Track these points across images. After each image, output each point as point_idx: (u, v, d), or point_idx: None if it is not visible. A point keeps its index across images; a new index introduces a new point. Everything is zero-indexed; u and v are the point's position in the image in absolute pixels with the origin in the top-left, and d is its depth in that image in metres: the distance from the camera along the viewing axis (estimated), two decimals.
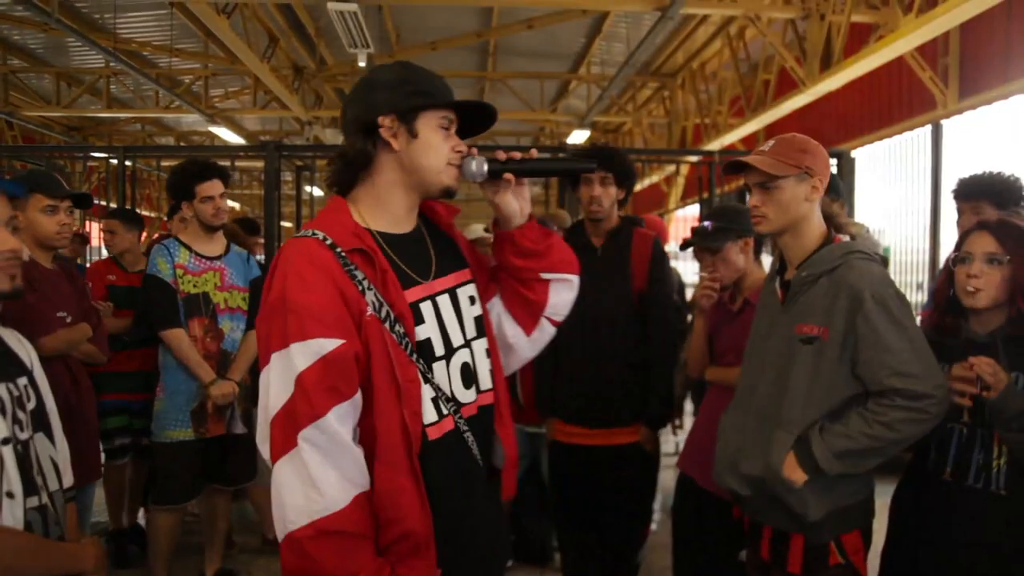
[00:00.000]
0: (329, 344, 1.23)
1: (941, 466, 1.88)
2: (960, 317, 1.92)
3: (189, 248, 3.03)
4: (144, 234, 4.75)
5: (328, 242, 1.29)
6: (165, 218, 4.18)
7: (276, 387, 1.24)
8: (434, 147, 1.36)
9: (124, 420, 3.52)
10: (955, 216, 2.75)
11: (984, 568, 1.79)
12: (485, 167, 1.41)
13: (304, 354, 1.22)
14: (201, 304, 3.00)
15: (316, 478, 1.20)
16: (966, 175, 2.68)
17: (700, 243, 2.48)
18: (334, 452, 1.22)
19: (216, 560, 3.28)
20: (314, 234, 1.30)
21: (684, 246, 2.65)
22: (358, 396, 1.26)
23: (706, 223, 2.50)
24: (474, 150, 1.41)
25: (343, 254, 1.29)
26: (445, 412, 1.35)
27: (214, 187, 3.01)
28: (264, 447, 1.26)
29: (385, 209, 1.39)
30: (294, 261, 1.28)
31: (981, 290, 1.80)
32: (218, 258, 3.10)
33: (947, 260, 1.99)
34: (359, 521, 1.23)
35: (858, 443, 1.70)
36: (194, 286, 3.00)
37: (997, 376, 1.69)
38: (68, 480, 1.58)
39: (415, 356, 1.31)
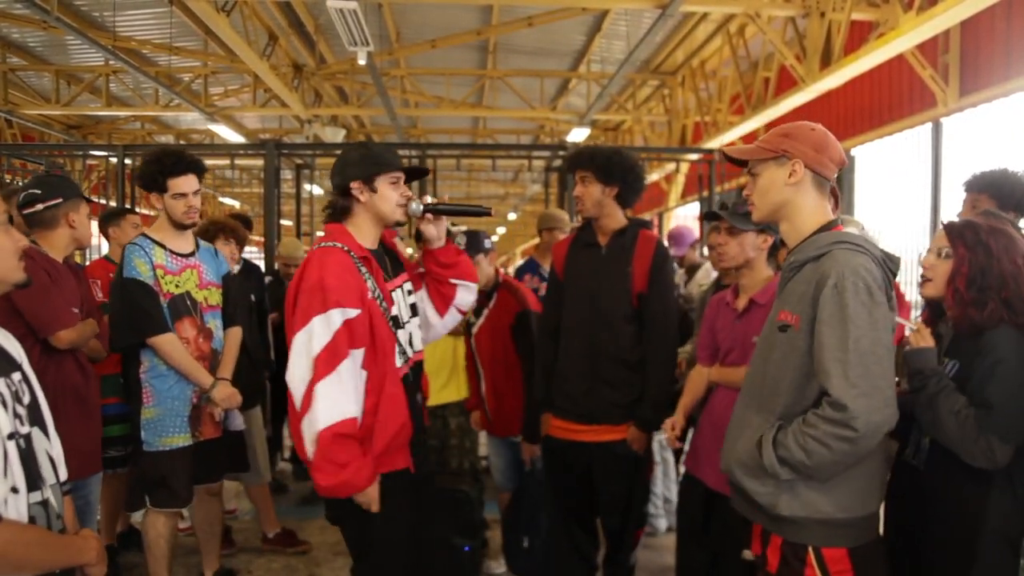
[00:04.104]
0: (352, 312, 2.00)
1: (905, 446, 2.00)
2: (940, 316, 2.02)
3: (163, 246, 2.86)
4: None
5: (346, 249, 2.08)
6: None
7: (320, 336, 1.96)
8: (388, 197, 2.14)
9: (126, 428, 3.43)
10: (955, 213, 2.77)
11: (921, 544, 1.91)
12: (420, 208, 2.19)
13: (340, 315, 1.98)
14: (188, 304, 2.88)
15: (348, 390, 1.98)
16: (982, 169, 2.72)
17: (726, 217, 2.46)
18: (354, 378, 2.01)
19: (214, 562, 3.25)
20: (337, 245, 2.08)
21: (709, 217, 2.63)
22: (364, 348, 2.03)
23: (739, 204, 2.49)
24: (415, 197, 2.20)
25: (355, 257, 2.08)
26: (402, 362, 2.16)
27: (187, 183, 2.83)
28: (300, 385, 1.97)
29: (362, 235, 2.17)
30: (329, 260, 2.04)
31: (930, 280, 1.94)
32: (192, 255, 2.96)
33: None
34: (356, 430, 1.99)
35: (795, 456, 1.62)
36: (176, 286, 2.86)
37: (919, 335, 1.90)
38: (63, 474, 1.59)
39: (391, 324, 2.13)
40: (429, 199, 2.23)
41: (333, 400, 1.95)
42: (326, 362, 1.95)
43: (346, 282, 2.00)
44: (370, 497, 2.03)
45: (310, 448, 1.97)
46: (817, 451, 1.58)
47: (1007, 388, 1.77)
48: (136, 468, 2.93)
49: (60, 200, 2.75)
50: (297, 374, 1.99)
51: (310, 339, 1.97)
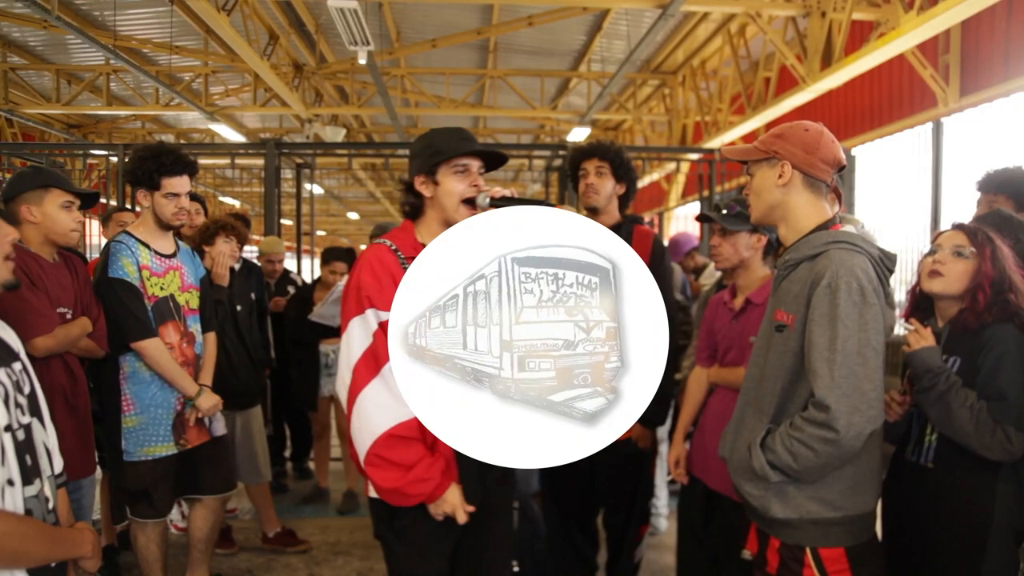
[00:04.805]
0: (385, 314, 1.78)
1: (905, 445, 2.01)
2: (928, 314, 2.04)
3: (147, 246, 2.77)
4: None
5: (393, 248, 1.91)
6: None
7: (358, 340, 1.83)
8: (449, 191, 1.90)
9: None
10: (956, 212, 2.75)
11: (926, 542, 1.91)
12: (487, 201, 1.90)
13: (375, 316, 1.83)
14: (172, 307, 2.78)
15: (398, 394, 1.72)
16: (995, 167, 2.69)
17: (717, 219, 2.47)
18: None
19: (203, 573, 3.09)
20: (385, 243, 1.93)
21: (702, 219, 2.64)
22: None
23: (731, 205, 2.50)
24: (487, 188, 1.90)
25: (403, 257, 1.89)
26: None
27: (181, 183, 2.75)
28: (343, 390, 1.84)
29: (432, 232, 1.89)
30: (368, 259, 1.90)
31: (942, 276, 1.93)
32: (173, 256, 2.86)
33: (920, 259, 2.07)
34: (417, 429, 1.77)
35: (782, 459, 1.63)
36: (161, 288, 2.75)
37: (918, 335, 1.90)
38: (58, 465, 1.59)
39: None
40: (500, 191, 1.90)
41: (383, 405, 1.80)
42: (368, 366, 1.82)
43: (380, 281, 1.85)
44: (448, 506, 1.83)
45: (363, 453, 1.82)
46: (803, 454, 1.59)
47: (1016, 378, 1.81)
48: (116, 478, 2.82)
49: (5, 194, 2.54)
50: (340, 379, 1.88)
51: (349, 344, 1.86)
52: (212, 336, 3.01)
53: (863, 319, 1.58)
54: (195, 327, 2.89)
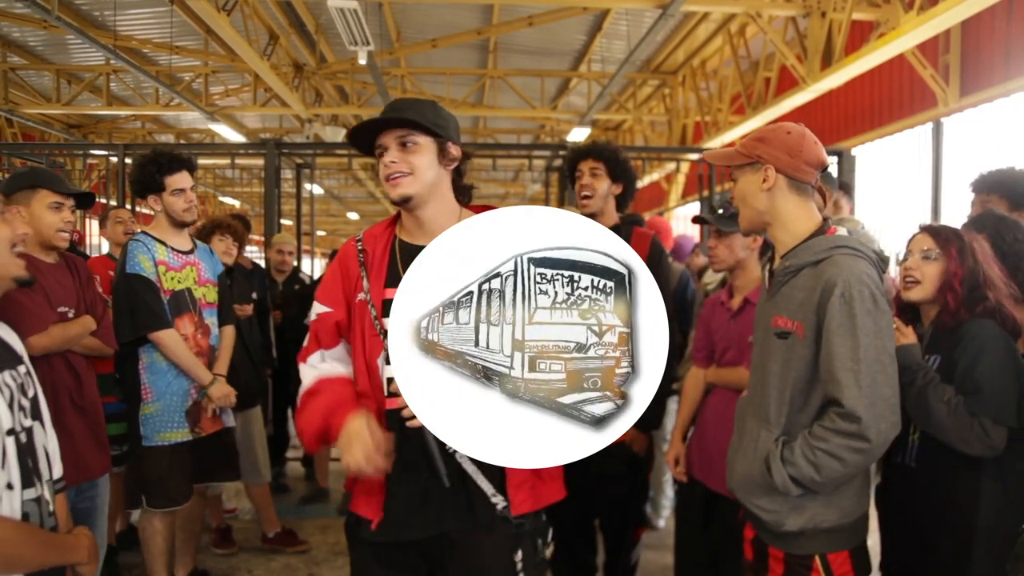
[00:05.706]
0: (321, 308, 1.78)
1: (892, 448, 1.98)
2: (914, 317, 2.07)
3: (164, 243, 2.91)
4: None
5: (358, 240, 1.81)
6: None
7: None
8: (380, 172, 1.71)
9: (123, 427, 3.17)
10: (956, 212, 2.76)
11: (916, 542, 1.92)
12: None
13: (315, 310, 1.79)
14: (188, 300, 2.91)
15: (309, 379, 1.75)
16: (989, 168, 2.69)
17: (712, 220, 2.47)
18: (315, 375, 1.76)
19: (189, 562, 3.22)
20: (358, 234, 1.84)
21: (697, 220, 2.65)
22: (337, 349, 1.78)
23: (726, 205, 2.49)
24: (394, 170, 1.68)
25: (361, 250, 1.78)
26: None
27: (184, 179, 2.89)
28: None
29: (403, 224, 1.80)
30: (338, 252, 1.85)
31: (918, 282, 1.98)
32: (190, 252, 3.01)
33: (898, 266, 2.11)
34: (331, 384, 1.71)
35: (804, 472, 1.59)
36: (178, 282, 2.90)
37: (899, 333, 1.91)
38: (58, 471, 1.59)
39: (383, 338, 1.67)
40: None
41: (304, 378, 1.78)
42: (304, 351, 1.81)
43: (333, 275, 1.81)
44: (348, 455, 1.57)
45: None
46: (828, 465, 1.56)
47: (992, 370, 1.82)
48: (134, 466, 2.93)
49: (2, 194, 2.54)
50: None
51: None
52: (230, 329, 3.12)
53: (878, 326, 1.57)
54: (211, 320, 3.01)
